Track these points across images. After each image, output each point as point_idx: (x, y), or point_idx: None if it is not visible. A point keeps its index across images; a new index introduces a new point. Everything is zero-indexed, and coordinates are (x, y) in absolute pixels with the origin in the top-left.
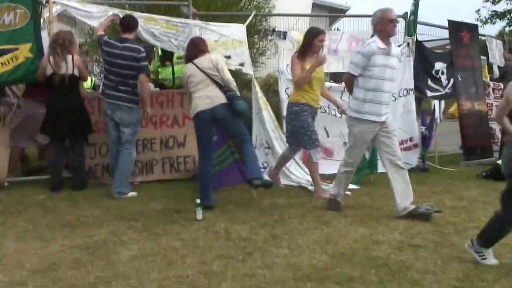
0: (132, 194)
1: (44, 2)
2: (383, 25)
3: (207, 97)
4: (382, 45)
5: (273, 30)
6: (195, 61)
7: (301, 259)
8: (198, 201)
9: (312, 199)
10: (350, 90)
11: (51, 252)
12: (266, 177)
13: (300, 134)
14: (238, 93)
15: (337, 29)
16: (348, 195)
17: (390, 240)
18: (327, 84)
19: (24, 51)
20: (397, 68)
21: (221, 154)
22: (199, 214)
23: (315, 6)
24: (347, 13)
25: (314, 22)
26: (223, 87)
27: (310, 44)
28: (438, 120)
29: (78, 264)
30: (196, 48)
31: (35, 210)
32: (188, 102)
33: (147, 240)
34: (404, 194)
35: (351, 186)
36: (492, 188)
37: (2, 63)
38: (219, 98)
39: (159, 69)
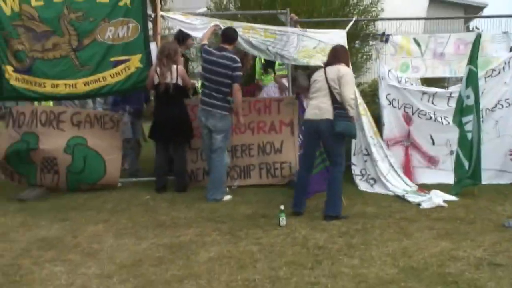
0: (227, 198)
1: (153, 16)
2: None
3: (318, 108)
4: None
5: (383, 34)
6: (327, 68)
7: (369, 270)
8: (282, 207)
9: (402, 209)
10: None
11: (140, 249)
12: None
13: None
14: (352, 113)
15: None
16: (443, 206)
17: (470, 256)
18: (433, 89)
19: (135, 61)
20: None
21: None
22: (282, 220)
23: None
24: (485, 10)
25: (433, 23)
26: (338, 102)
27: None
28: None
29: (160, 261)
30: (334, 55)
31: (137, 210)
32: (286, 109)
33: (228, 242)
34: None
35: (448, 197)
36: None
37: (116, 73)
38: (328, 112)
39: (262, 77)
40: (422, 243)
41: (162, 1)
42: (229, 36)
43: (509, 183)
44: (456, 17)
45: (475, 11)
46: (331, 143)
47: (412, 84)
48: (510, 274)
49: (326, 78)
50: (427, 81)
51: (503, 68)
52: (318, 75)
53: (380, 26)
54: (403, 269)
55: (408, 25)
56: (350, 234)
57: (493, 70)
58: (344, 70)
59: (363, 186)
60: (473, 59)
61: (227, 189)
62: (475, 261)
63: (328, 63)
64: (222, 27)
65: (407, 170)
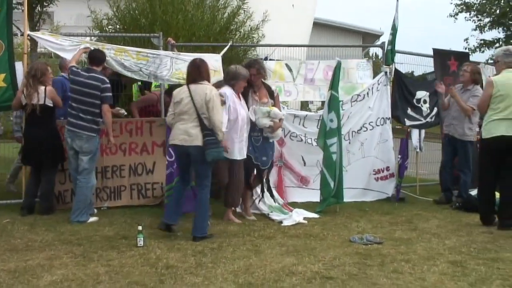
0: (92, 219)
1: (19, 35)
2: None
3: (187, 133)
4: None
5: (265, 58)
6: (192, 87)
7: None
8: (140, 228)
9: (264, 227)
10: None
11: None
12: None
13: None
14: (221, 137)
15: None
16: (303, 223)
17: (307, 271)
18: (304, 113)
19: None
20: None
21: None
22: (140, 240)
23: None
24: (381, 38)
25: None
26: (208, 128)
27: None
28: (418, 150)
29: None
30: (197, 71)
31: None
32: (158, 130)
33: (76, 265)
34: None
35: (310, 215)
36: (454, 219)
37: None
38: (198, 139)
39: (138, 98)
40: (268, 260)
41: (41, 20)
42: (96, 58)
43: (373, 201)
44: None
45: (373, 38)
46: (200, 167)
47: (284, 108)
48: (337, 287)
49: (192, 101)
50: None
51: (367, 93)
52: (183, 95)
53: (264, 51)
54: (241, 285)
55: (291, 50)
56: (203, 253)
57: (358, 95)
58: (210, 93)
59: (238, 208)
60: (334, 84)
61: (95, 210)
62: (310, 275)
63: (191, 80)
64: (92, 49)
65: (280, 189)
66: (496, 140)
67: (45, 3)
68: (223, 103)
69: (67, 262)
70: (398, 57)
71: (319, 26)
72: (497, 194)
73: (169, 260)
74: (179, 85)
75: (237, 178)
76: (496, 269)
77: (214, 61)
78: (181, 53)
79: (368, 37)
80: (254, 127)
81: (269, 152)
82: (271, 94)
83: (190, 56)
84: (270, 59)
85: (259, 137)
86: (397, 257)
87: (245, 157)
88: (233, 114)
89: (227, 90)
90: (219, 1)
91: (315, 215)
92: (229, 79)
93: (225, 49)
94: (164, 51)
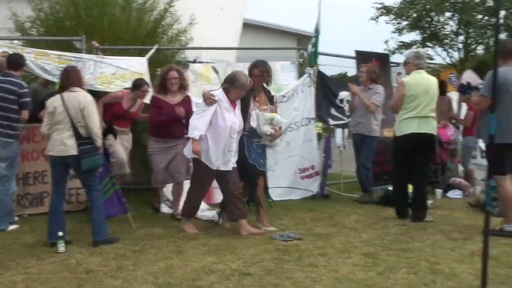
0: (12, 227)
1: None
2: None
3: (63, 144)
4: None
5: (194, 61)
6: (65, 95)
7: None
8: (60, 233)
9: None
10: None
11: None
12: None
13: None
14: (99, 144)
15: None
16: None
17: (226, 269)
18: None
19: None
20: None
21: (104, 185)
22: (61, 246)
23: (261, 29)
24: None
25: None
26: (83, 137)
27: None
28: (342, 148)
29: None
30: (67, 78)
31: None
32: None
33: None
34: None
35: None
36: (373, 214)
37: None
38: (73, 148)
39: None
40: (190, 260)
41: None
42: (14, 62)
43: (299, 199)
44: (258, 48)
45: (309, 40)
46: (81, 176)
47: None
48: (254, 282)
49: (66, 110)
50: None
51: (292, 94)
52: (56, 104)
53: (192, 54)
54: (160, 285)
55: (221, 53)
56: (125, 256)
57: (284, 96)
58: (85, 100)
59: (164, 209)
60: None
61: (17, 218)
62: (229, 273)
63: (63, 88)
64: (11, 53)
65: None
66: (407, 137)
67: None
68: (212, 103)
69: None
70: (321, 59)
71: (254, 28)
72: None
73: (89, 264)
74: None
75: (229, 192)
76: (404, 258)
77: (139, 64)
78: (106, 56)
79: (304, 39)
80: (254, 133)
81: (265, 157)
82: (271, 99)
83: (115, 60)
84: (199, 62)
85: (260, 143)
86: (314, 252)
87: (230, 168)
88: (220, 122)
89: (219, 93)
90: (146, 4)
91: None
92: (224, 82)
93: (151, 52)
94: (87, 54)
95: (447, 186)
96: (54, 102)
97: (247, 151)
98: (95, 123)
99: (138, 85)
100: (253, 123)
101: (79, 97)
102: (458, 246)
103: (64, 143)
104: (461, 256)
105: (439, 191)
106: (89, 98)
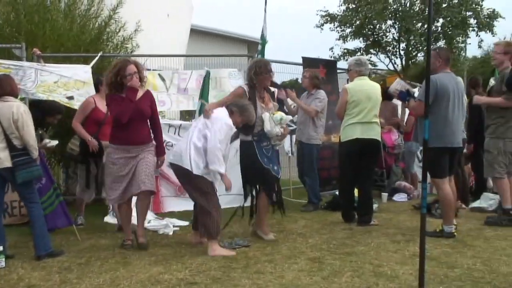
0: None
1: None
2: None
3: None
4: None
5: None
6: None
7: None
8: (0, 248)
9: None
10: None
11: None
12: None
13: None
14: (35, 155)
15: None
16: (175, 232)
17: (172, 278)
18: (178, 122)
19: None
20: None
21: (49, 197)
22: (1, 261)
23: (210, 35)
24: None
25: (197, 57)
26: (17, 148)
27: None
28: (290, 154)
29: None
30: (0, 87)
31: None
32: None
33: None
34: None
35: (184, 223)
36: (321, 219)
37: None
38: (7, 161)
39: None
40: (136, 271)
41: None
42: None
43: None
44: (204, 55)
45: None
46: (17, 188)
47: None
48: None
49: None
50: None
51: None
52: None
53: (139, 62)
54: None
55: (168, 60)
56: (70, 269)
57: None
58: (18, 111)
59: (109, 219)
60: (204, 93)
61: None
62: (175, 282)
63: None
64: None
65: (156, 199)
66: (352, 142)
67: None
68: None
69: None
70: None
71: (203, 34)
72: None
73: (31, 279)
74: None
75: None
76: (349, 262)
77: (83, 73)
78: (47, 64)
79: (254, 46)
80: (263, 137)
81: (277, 160)
82: (272, 96)
83: (57, 68)
84: (147, 69)
85: (269, 147)
86: (261, 258)
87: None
88: (225, 151)
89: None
90: (89, 10)
91: (186, 223)
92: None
93: (95, 59)
94: (28, 62)
95: (392, 190)
96: None
97: (259, 156)
98: (30, 134)
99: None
100: (267, 126)
101: (12, 107)
102: (401, 248)
103: None
104: (403, 257)
105: (385, 195)
106: (22, 108)
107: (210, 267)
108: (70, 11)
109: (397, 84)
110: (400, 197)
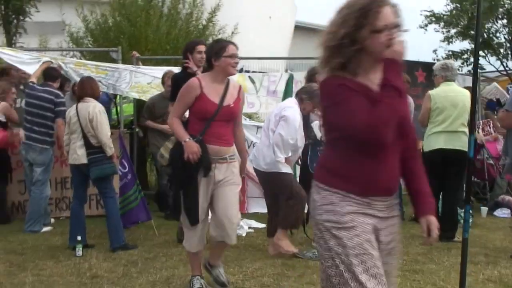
0: (46, 229)
1: None
2: None
3: (75, 153)
4: None
5: (241, 70)
6: (79, 105)
7: None
8: (79, 238)
9: None
10: None
11: None
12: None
13: None
14: (110, 153)
15: None
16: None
17: None
18: None
19: None
20: None
21: (134, 192)
22: (79, 250)
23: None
24: None
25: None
26: (93, 146)
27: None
28: None
29: None
30: (81, 88)
31: None
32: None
33: (8, 274)
34: None
35: (257, 225)
36: (402, 231)
37: None
38: (83, 157)
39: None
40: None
41: (17, 34)
42: (50, 75)
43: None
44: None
45: None
46: (94, 182)
47: (246, 120)
48: None
49: (78, 120)
50: None
51: None
52: (71, 114)
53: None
54: None
55: (270, 61)
56: (135, 263)
57: None
58: (93, 111)
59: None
60: (287, 96)
61: (53, 220)
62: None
63: (79, 98)
64: (53, 63)
65: (242, 199)
66: (434, 153)
67: (21, 17)
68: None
69: (0, 271)
70: None
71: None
72: None
73: (98, 270)
74: None
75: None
76: (411, 280)
77: None
78: (142, 66)
79: None
80: (318, 142)
81: None
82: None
83: (151, 69)
84: (246, 71)
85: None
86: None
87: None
88: (300, 142)
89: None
90: (191, 14)
91: (263, 225)
92: (303, 93)
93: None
94: (124, 64)
95: (494, 204)
96: (70, 112)
97: (309, 160)
98: (104, 133)
99: None
100: (319, 134)
101: (89, 107)
102: (476, 270)
103: (76, 152)
104: (474, 282)
105: (484, 209)
106: (98, 108)
107: (265, 273)
108: (172, 15)
109: (490, 91)
110: (502, 213)
